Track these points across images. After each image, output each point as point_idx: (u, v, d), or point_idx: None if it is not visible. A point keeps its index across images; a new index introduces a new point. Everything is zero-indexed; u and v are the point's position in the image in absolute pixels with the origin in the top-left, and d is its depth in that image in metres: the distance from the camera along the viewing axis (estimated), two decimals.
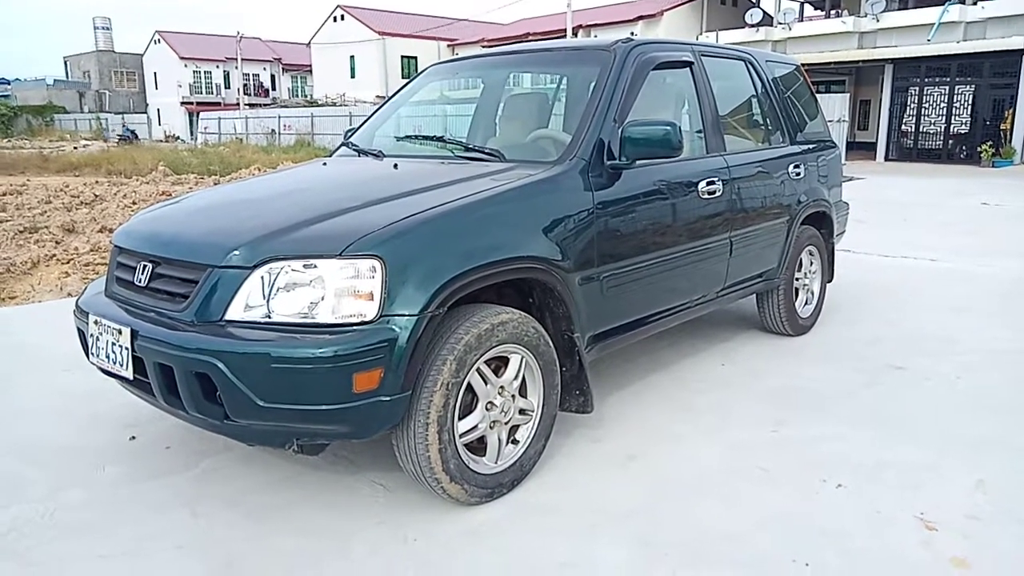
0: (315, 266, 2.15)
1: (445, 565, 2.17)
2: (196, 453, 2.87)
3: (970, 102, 20.87)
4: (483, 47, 31.40)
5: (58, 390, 3.52)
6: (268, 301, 2.16)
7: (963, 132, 21.10)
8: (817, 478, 2.66)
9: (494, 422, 2.49)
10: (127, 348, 2.30)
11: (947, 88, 21.28)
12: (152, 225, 2.67)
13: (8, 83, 60.27)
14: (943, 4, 20.33)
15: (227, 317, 2.17)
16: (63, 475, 2.71)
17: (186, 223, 2.62)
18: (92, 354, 2.53)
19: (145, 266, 2.45)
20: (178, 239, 2.46)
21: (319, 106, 35.44)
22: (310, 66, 45.41)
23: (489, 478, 2.48)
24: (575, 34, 27.60)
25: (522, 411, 2.59)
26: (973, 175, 16.53)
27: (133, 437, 3.02)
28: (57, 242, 7.86)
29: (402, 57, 39.38)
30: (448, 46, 38.12)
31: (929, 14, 20.62)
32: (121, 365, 2.35)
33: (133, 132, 39.04)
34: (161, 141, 39.36)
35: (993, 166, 18.69)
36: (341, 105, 34.36)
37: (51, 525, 2.39)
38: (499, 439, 2.52)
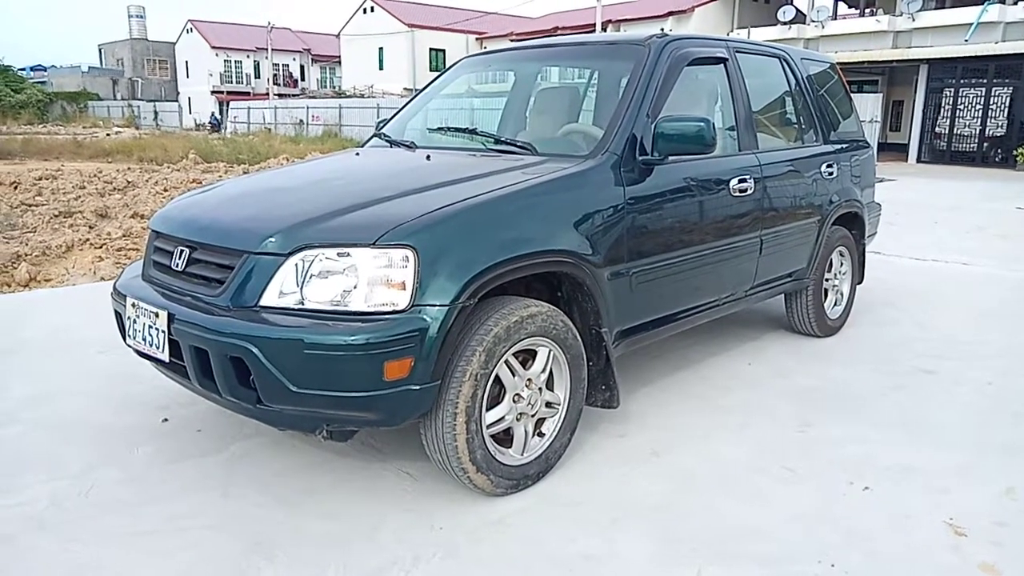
0: (349, 254, 2.18)
1: (471, 553, 2.19)
2: (227, 436, 2.93)
3: (1007, 104, 20.44)
4: (511, 41, 31.37)
5: (93, 371, 3.60)
6: (302, 288, 2.19)
7: (999, 135, 20.68)
8: (844, 479, 2.65)
9: (521, 414, 2.51)
10: (164, 331, 2.35)
11: (983, 90, 20.87)
12: (189, 211, 2.71)
13: (45, 70, 61.39)
14: (982, 4, 19.92)
15: (262, 303, 2.21)
16: (98, 454, 2.78)
17: (223, 209, 2.66)
18: (129, 336, 2.58)
19: (182, 251, 2.50)
20: (215, 225, 2.50)
21: (347, 97, 35.64)
22: (339, 57, 45.67)
23: (515, 469, 2.50)
24: (604, 29, 27.47)
25: (549, 404, 2.60)
26: (1008, 179, 16.22)
27: (166, 419, 3.08)
28: (91, 227, 8.00)
29: (430, 50, 39.47)
30: (477, 39, 38.14)
31: (967, 14, 20.22)
32: (157, 348, 2.40)
33: (219, 120, 39.81)
34: (191, 130, 39.87)
35: None
36: (369, 97, 34.53)
37: (87, 502, 2.45)
38: (525, 431, 2.54)
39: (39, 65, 62.77)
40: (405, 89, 36.42)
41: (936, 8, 22.25)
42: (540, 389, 2.55)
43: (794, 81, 4.09)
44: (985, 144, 20.95)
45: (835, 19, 25.06)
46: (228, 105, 39.51)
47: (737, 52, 3.63)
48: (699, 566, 2.14)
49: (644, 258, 2.88)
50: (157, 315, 2.38)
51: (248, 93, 47.20)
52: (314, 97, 40.39)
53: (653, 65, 3.06)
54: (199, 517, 2.37)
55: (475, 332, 2.29)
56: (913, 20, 21.33)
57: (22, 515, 2.36)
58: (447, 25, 39.39)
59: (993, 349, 4.16)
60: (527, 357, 2.52)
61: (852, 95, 4.86)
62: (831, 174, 4.11)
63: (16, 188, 11.06)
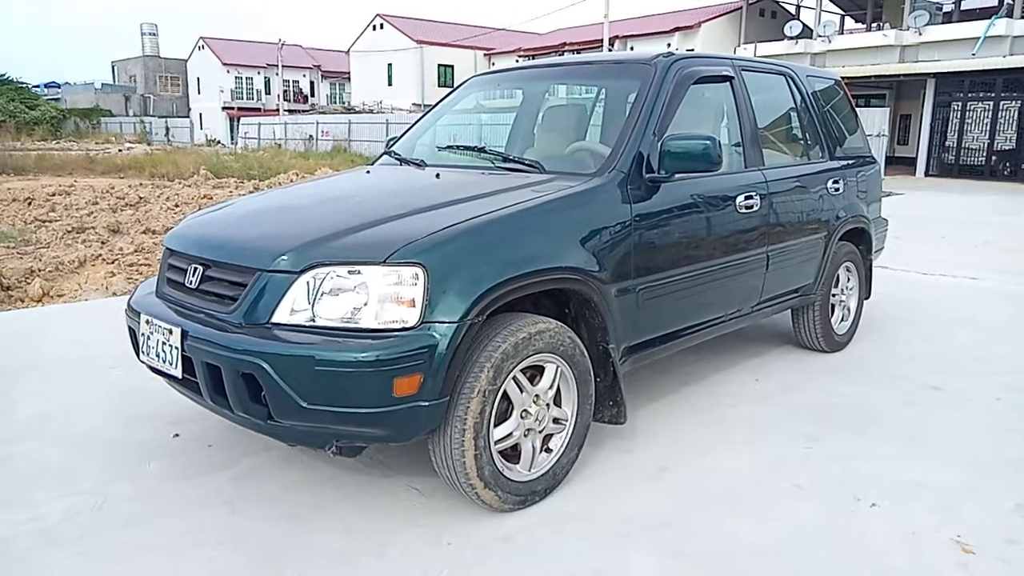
0: (360, 272, 2.21)
1: (479, 569, 2.21)
2: (237, 452, 2.95)
3: (1015, 118, 20.43)
4: (519, 57, 31.58)
5: (106, 387, 3.64)
6: (313, 305, 2.23)
7: (1007, 148, 20.66)
8: (851, 496, 2.65)
9: (528, 430, 2.52)
10: (177, 348, 2.38)
11: (991, 103, 20.86)
12: (203, 229, 2.76)
13: (58, 86, 62.15)
14: (988, 18, 19.95)
15: (274, 320, 2.24)
16: (111, 469, 2.81)
17: (236, 228, 2.70)
18: (142, 352, 2.62)
19: (196, 268, 2.54)
20: (228, 243, 2.53)
21: (356, 113, 35.88)
22: (348, 73, 46.07)
23: (522, 485, 2.51)
24: (611, 44, 27.62)
25: (556, 420, 2.62)
26: (1016, 193, 16.17)
27: (176, 434, 3.11)
28: (103, 242, 8.09)
29: (439, 66, 39.78)
30: (485, 55, 38.40)
31: (974, 28, 20.25)
32: (171, 364, 2.43)
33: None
34: (202, 145, 40.18)
35: None
36: (378, 112, 34.78)
37: (100, 517, 2.48)
38: (533, 447, 2.56)
39: (53, 82, 63.54)
40: (414, 105, 36.68)
41: (943, 22, 22.28)
42: (548, 405, 2.57)
43: (799, 98, 4.12)
44: (994, 158, 20.92)
45: (842, 34, 25.15)
46: (239, 121, 39.84)
47: (742, 70, 3.66)
48: None
49: (651, 275, 2.90)
50: (171, 332, 2.41)
51: (259, 109, 47.57)
52: (324, 113, 40.63)
53: (659, 84, 3.10)
54: (210, 532, 2.39)
55: (483, 349, 2.31)
56: (920, 34, 21.35)
57: (36, 530, 2.39)
58: (455, 41, 39.71)
59: (1001, 365, 4.15)
60: (535, 373, 2.54)
61: (860, 109, 4.88)
62: (837, 190, 4.13)
63: (30, 204, 11.20)
